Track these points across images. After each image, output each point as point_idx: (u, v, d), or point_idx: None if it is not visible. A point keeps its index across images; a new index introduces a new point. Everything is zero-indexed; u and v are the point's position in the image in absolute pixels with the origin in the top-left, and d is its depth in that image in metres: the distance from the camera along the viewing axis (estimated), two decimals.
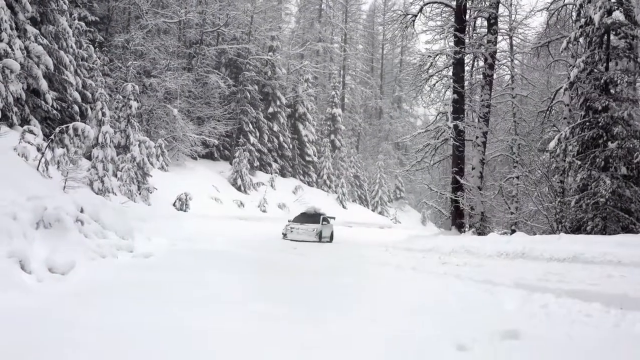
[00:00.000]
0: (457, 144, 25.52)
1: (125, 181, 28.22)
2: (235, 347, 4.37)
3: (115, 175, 28.03)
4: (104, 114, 26.52)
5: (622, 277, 9.19)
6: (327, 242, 27.57)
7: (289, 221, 29.21)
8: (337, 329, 5.24)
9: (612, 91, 19.35)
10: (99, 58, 34.97)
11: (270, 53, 54.71)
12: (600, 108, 18.94)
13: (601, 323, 5.77)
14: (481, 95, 26.36)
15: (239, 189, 46.22)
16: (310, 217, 29.19)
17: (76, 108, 26.86)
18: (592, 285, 8.07)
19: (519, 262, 13.55)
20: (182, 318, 5.46)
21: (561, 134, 20.17)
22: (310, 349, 4.41)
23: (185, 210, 32.85)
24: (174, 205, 33.01)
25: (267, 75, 54.42)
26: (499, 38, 27.66)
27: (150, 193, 30.22)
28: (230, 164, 48.53)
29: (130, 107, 31.03)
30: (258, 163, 52.28)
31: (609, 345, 4.82)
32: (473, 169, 25.54)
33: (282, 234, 27.32)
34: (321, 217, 29.31)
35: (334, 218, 32.23)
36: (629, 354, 4.41)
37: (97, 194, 23.97)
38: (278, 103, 55.29)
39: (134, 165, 29.05)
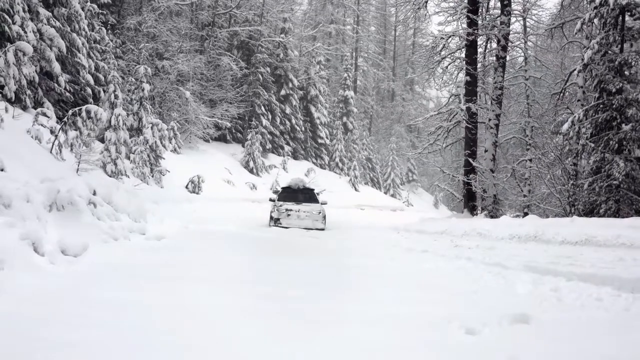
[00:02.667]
0: (470, 126, 25.41)
1: (138, 164, 28.32)
2: (240, 323, 4.40)
3: (128, 158, 28.11)
4: (116, 97, 26.55)
5: (635, 260, 9.15)
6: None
7: (274, 200, 23.68)
8: (343, 308, 5.27)
9: (627, 73, 19.17)
10: (111, 40, 35.03)
11: (282, 35, 54.57)
12: (614, 90, 18.77)
13: (611, 307, 5.74)
14: (494, 78, 26.18)
15: (251, 171, 46.31)
16: (303, 193, 24.27)
17: (89, 91, 26.94)
18: (604, 268, 8.04)
19: (531, 244, 13.51)
20: (191, 296, 5.50)
21: (574, 117, 20.02)
22: (315, 323, 4.47)
23: (197, 193, 32.94)
24: (186, 187, 33.11)
25: (279, 58, 54.29)
26: (513, 19, 27.48)
27: (163, 175, 30.31)
28: (243, 146, 48.61)
29: (143, 90, 31.05)
30: (270, 145, 52.32)
31: (618, 328, 4.82)
32: (486, 151, 25.44)
33: (273, 219, 21.48)
34: (315, 193, 25.08)
35: (319, 194, 27.45)
36: (634, 336, 4.40)
37: (110, 176, 24.07)
38: (290, 85, 55.20)
39: (146, 147, 29.13)
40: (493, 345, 4.01)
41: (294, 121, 55.95)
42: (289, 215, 21.43)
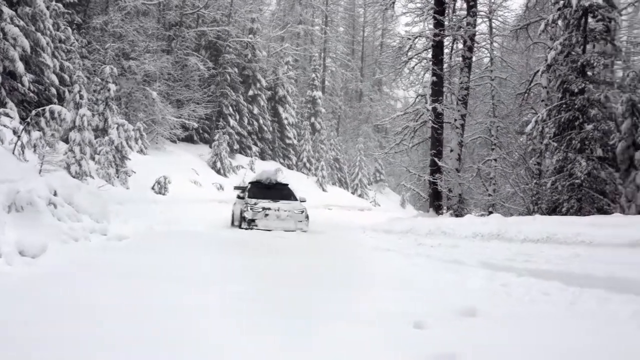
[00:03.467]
0: (436, 126, 25.59)
1: (103, 164, 28.07)
2: (210, 320, 4.40)
3: (93, 159, 27.84)
4: (81, 97, 26.31)
5: (590, 256, 9.32)
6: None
7: (242, 197, 20.69)
8: (303, 305, 5.29)
9: (589, 74, 19.51)
10: (77, 40, 34.62)
11: (251, 35, 54.44)
12: (577, 90, 19.05)
13: (558, 301, 5.87)
14: (460, 78, 26.41)
15: (218, 172, 46.14)
16: (277, 189, 21.57)
17: (53, 91, 26.63)
18: (558, 264, 8.20)
19: (494, 243, 13.66)
20: (147, 295, 5.48)
21: (538, 116, 20.30)
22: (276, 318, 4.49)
23: (164, 194, 32.75)
24: (152, 188, 32.89)
25: (247, 58, 54.16)
26: (479, 20, 27.74)
27: (129, 176, 30.08)
28: (210, 147, 48.40)
29: (109, 90, 30.79)
30: (238, 146, 52.19)
31: (562, 321, 4.93)
32: (451, 151, 25.65)
33: (245, 219, 18.81)
34: (290, 188, 22.48)
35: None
36: (577, 330, 4.49)
37: (74, 177, 23.82)
38: (258, 86, 55.09)
39: (112, 148, 28.89)
40: (439, 338, 4.07)
41: (261, 121, 55.85)
42: (266, 215, 18.87)
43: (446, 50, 28.12)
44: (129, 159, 30.53)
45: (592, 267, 7.64)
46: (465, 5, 27.24)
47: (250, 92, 54.27)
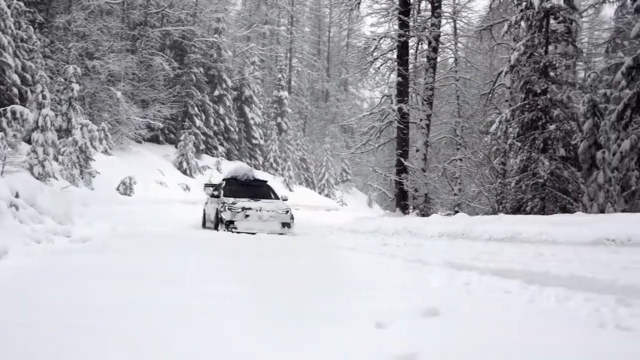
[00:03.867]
0: (402, 126, 25.73)
1: (67, 165, 27.77)
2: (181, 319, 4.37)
3: (57, 160, 27.54)
4: (44, 97, 26.00)
5: (553, 255, 9.43)
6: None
7: (217, 196, 19.22)
8: (262, 307, 5.28)
9: (552, 74, 19.77)
10: (39, 39, 34.21)
11: (216, 35, 54.20)
12: (539, 91, 19.31)
13: (518, 299, 5.95)
14: (425, 78, 26.60)
15: (184, 172, 45.88)
16: (255, 187, 20.24)
17: (15, 91, 26.32)
18: (520, 263, 8.26)
19: (459, 242, 13.78)
20: (108, 294, 5.41)
21: (502, 117, 20.52)
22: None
23: (129, 195, 32.48)
24: (117, 189, 32.61)
25: (212, 58, 53.89)
26: (443, 21, 27.97)
27: (93, 177, 29.78)
28: (176, 147, 48.10)
29: (72, 90, 30.47)
30: (204, 146, 51.95)
31: (520, 318, 5.00)
32: (417, 151, 25.80)
33: (223, 221, 17.44)
34: (269, 185, 21.21)
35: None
36: (534, 326, 4.56)
37: (37, 178, 23.54)
38: (224, 86, 54.86)
39: (76, 149, 28.58)
40: (400, 337, 4.09)
41: (227, 122, 55.63)
42: (247, 216, 17.40)
43: (411, 51, 28.33)
44: (94, 160, 30.22)
45: (554, 266, 7.72)
46: (430, 7, 27.40)
47: (216, 92, 54.03)
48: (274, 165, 61.90)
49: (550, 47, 20.01)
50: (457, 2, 28.90)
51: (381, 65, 27.83)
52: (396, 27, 26.90)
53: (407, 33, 26.19)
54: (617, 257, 9.10)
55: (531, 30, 20.13)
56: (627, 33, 22.32)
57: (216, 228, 18.12)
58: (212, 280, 6.75)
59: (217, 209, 18.48)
